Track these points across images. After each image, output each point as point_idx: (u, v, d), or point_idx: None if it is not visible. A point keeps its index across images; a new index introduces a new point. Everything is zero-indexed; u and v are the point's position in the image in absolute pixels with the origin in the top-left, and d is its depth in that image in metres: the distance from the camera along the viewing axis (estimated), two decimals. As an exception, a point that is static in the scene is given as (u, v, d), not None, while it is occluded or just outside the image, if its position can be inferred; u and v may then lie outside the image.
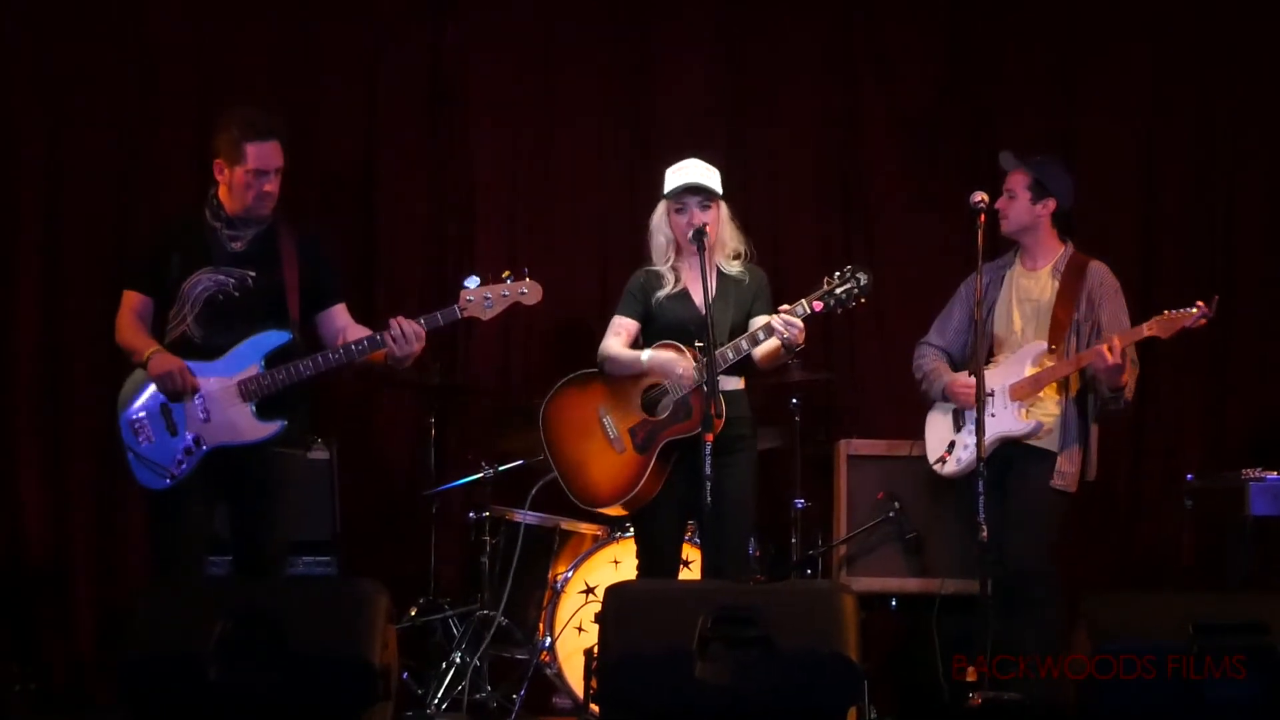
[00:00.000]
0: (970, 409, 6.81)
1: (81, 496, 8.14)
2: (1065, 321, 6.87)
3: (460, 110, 8.59)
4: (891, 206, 8.67)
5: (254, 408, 6.24)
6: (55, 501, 8.16)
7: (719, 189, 6.60)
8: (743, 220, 6.81)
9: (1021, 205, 6.97)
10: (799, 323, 6.31)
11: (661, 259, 6.71)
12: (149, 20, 8.35)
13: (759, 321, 6.54)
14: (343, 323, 6.49)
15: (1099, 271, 6.99)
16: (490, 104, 8.61)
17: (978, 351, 6.68)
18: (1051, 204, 6.97)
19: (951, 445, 6.96)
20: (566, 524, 7.73)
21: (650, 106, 8.66)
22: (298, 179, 8.18)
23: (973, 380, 6.78)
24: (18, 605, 8.05)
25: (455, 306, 6.28)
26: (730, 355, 6.41)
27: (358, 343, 6.28)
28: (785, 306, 6.35)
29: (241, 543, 6.39)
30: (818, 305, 6.37)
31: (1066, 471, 6.86)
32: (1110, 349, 6.62)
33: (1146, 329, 6.70)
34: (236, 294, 6.30)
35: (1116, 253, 7.99)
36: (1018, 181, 6.99)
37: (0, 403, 8.16)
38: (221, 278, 6.30)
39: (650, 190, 6.94)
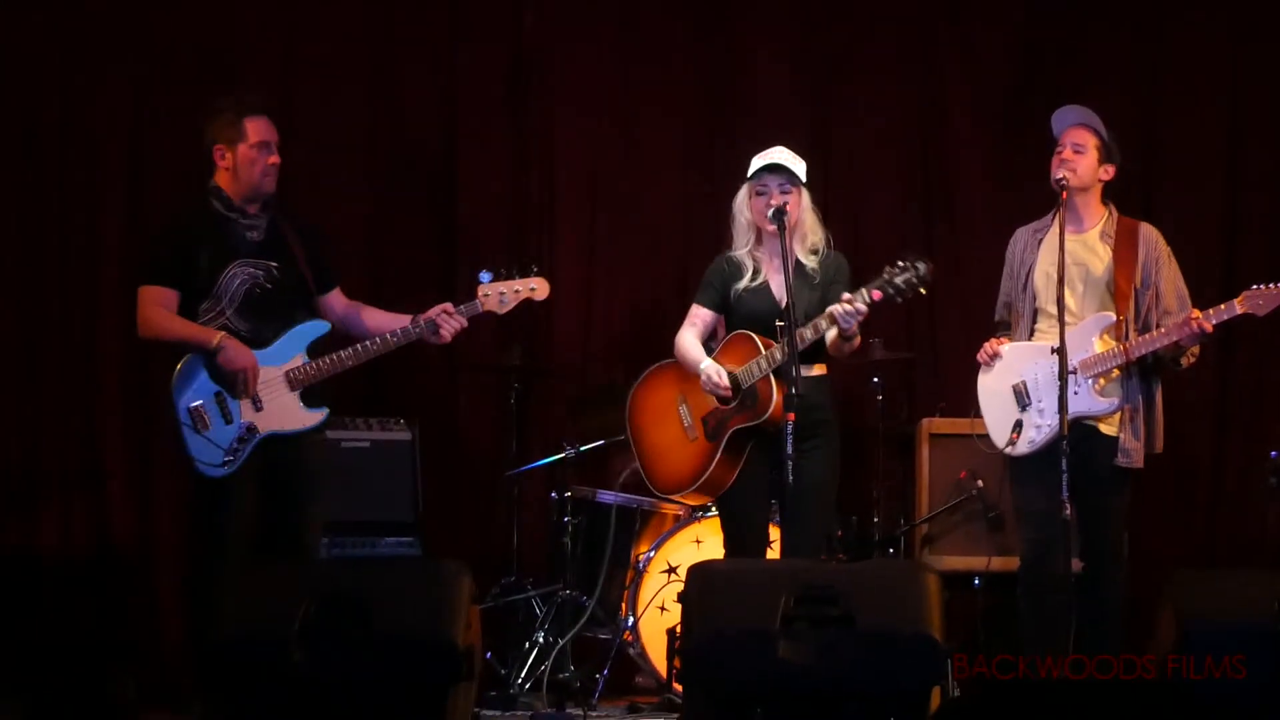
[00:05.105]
0: (987, 368, 6.77)
1: (166, 490, 8.14)
2: (1127, 291, 6.67)
3: (541, 93, 8.58)
4: (973, 189, 8.61)
5: (300, 396, 6.49)
6: (141, 496, 8.19)
7: (802, 175, 6.60)
8: (824, 205, 6.78)
9: (1090, 163, 6.76)
10: (862, 309, 6.32)
11: (742, 243, 6.71)
12: (230, 8, 8.37)
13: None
14: (342, 306, 6.76)
15: (1152, 235, 6.80)
16: (571, 88, 8.61)
17: (1061, 327, 6.40)
18: (1112, 170, 6.81)
19: (1018, 425, 6.71)
20: (648, 504, 7.75)
21: (732, 90, 8.65)
22: (379, 155, 8.32)
23: (996, 343, 6.78)
24: (110, 601, 8.06)
25: (476, 301, 6.64)
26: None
27: (394, 333, 6.56)
28: (847, 296, 6.36)
29: (277, 526, 6.53)
30: (877, 294, 6.37)
31: (1131, 449, 6.66)
32: (1201, 322, 6.48)
33: (1240, 305, 6.52)
34: (269, 285, 6.52)
35: (1199, 244, 7.92)
36: (1087, 139, 6.77)
37: (89, 401, 8.18)
38: (252, 270, 6.50)
39: (732, 172, 6.93)
